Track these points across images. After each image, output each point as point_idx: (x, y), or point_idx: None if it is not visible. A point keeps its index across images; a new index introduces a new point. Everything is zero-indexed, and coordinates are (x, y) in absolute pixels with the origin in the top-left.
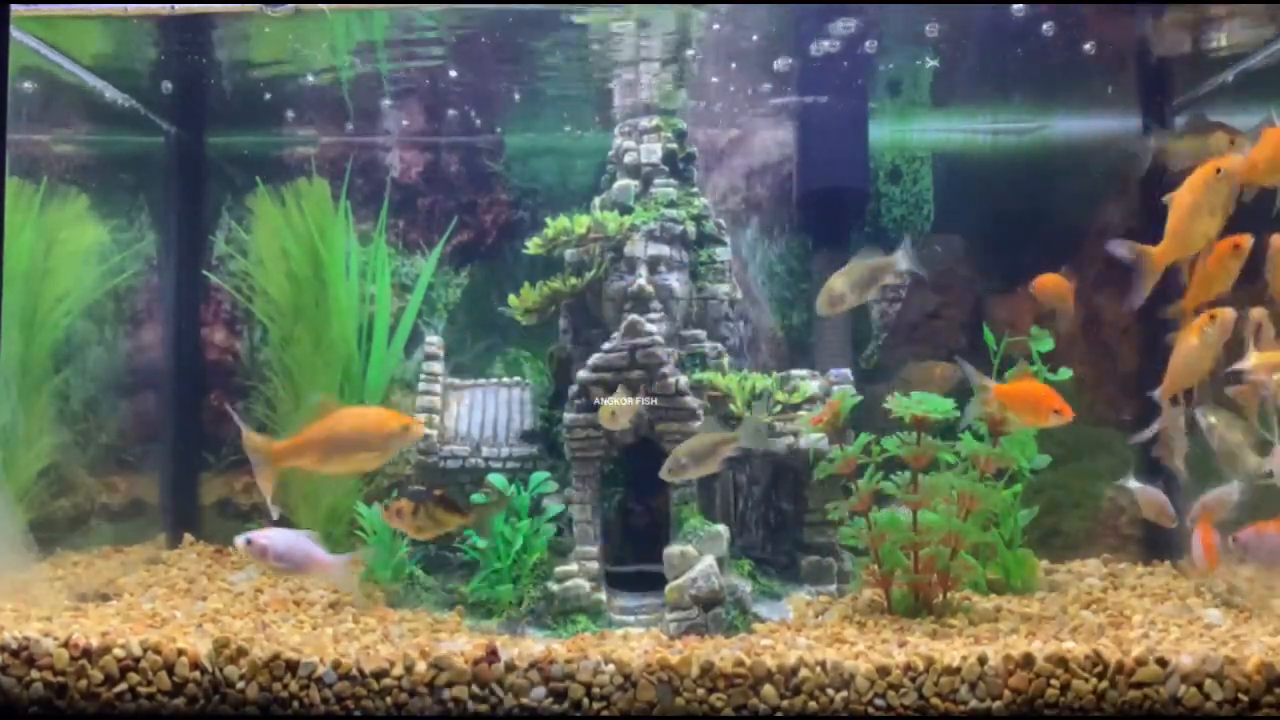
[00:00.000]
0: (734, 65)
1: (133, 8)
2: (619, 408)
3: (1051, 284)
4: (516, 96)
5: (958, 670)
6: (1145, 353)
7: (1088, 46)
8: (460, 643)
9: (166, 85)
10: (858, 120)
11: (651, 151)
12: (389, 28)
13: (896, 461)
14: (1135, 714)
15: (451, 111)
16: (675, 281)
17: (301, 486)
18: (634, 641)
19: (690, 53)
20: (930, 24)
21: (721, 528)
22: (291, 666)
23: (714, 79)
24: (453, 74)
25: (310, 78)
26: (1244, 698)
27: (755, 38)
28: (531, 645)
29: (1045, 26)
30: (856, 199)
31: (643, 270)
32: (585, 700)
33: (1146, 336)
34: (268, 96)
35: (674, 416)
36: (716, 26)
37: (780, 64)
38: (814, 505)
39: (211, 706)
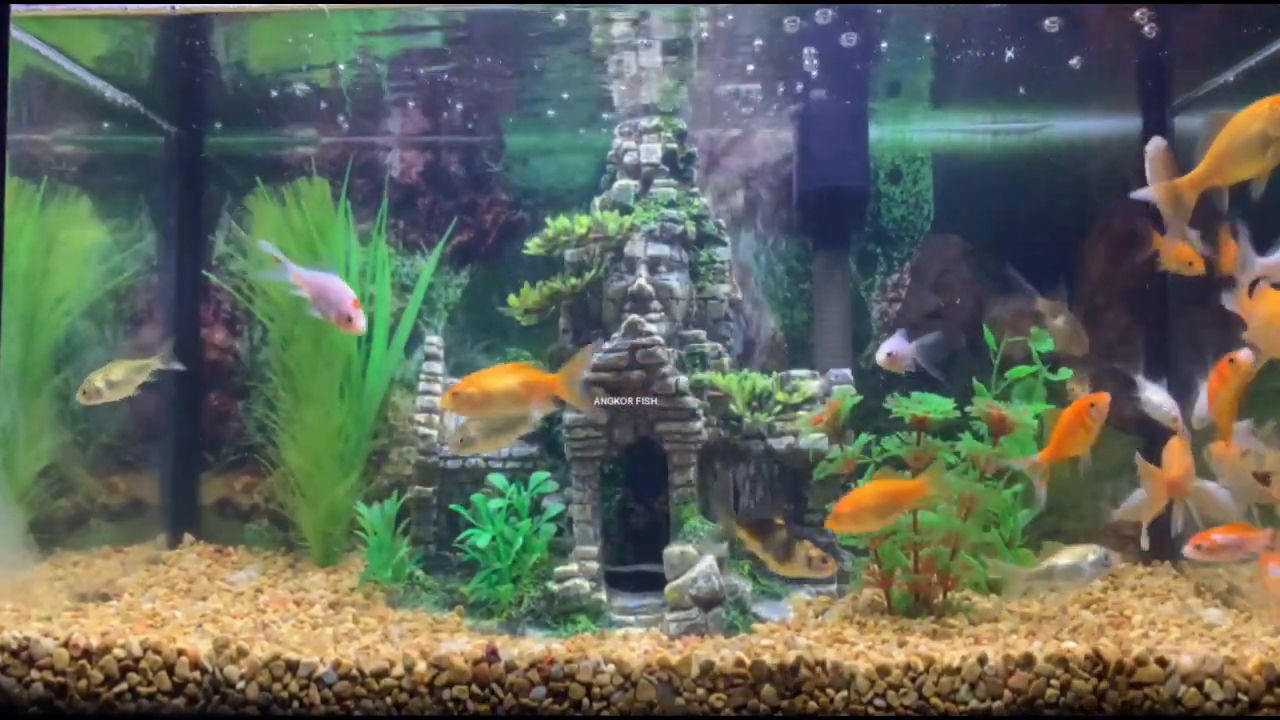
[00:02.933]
0: (733, 64)
1: (133, 8)
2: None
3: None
4: (517, 96)
5: (958, 670)
6: (1145, 352)
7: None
8: (460, 643)
9: (166, 85)
10: (857, 120)
11: (651, 151)
12: (389, 27)
13: (897, 462)
14: (1135, 714)
15: (452, 111)
16: (675, 281)
17: (301, 486)
18: (634, 641)
19: (690, 51)
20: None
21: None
22: (291, 666)
23: (714, 78)
24: (453, 73)
25: (310, 77)
26: (1244, 698)
27: (755, 36)
28: (531, 645)
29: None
30: (856, 199)
31: (643, 270)
32: (585, 700)
33: (1147, 336)
34: (268, 96)
35: (674, 416)
36: (719, 24)
37: (779, 64)
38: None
39: (211, 706)
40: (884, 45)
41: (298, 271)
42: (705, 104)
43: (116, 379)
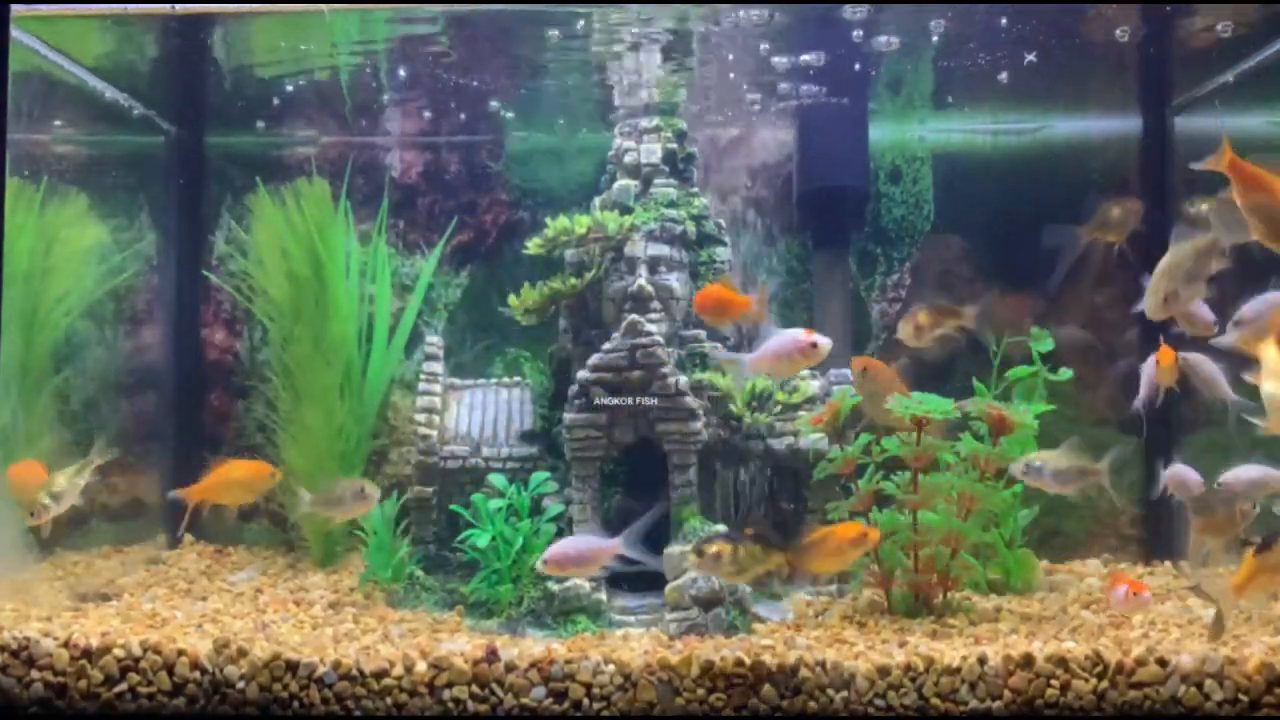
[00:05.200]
0: (734, 64)
1: (133, 8)
2: None
3: None
4: (517, 96)
5: (958, 670)
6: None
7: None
8: (460, 643)
9: (166, 85)
10: (858, 119)
11: (651, 151)
12: (389, 27)
13: (897, 462)
14: (1135, 714)
15: (452, 111)
16: (675, 281)
17: (301, 486)
18: (634, 641)
19: (690, 50)
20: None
21: (721, 528)
22: (291, 666)
23: (714, 78)
24: (453, 73)
25: (310, 77)
26: (1244, 698)
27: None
28: (531, 645)
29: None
30: (856, 199)
31: (643, 270)
32: (585, 700)
33: (1146, 336)
34: (268, 96)
35: (674, 416)
36: (716, 26)
37: (780, 63)
38: (814, 505)
39: (211, 706)
40: (887, 44)
41: (752, 359)
42: (705, 103)
43: (60, 489)
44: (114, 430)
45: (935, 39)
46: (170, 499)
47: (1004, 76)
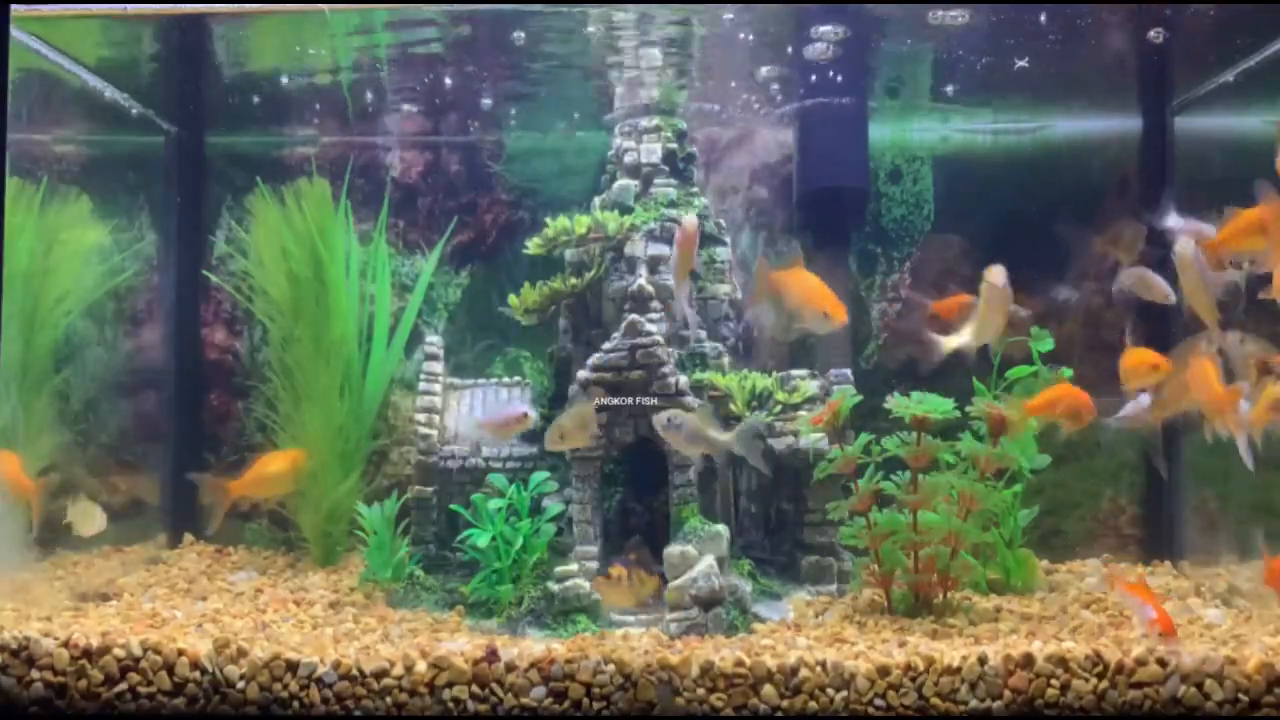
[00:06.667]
0: (734, 64)
1: (132, 8)
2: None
3: None
4: (517, 95)
5: (958, 670)
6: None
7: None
8: (460, 643)
9: (166, 85)
10: (857, 119)
11: (651, 151)
12: (389, 26)
13: (897, 461)
14: (1135, 714)
15: (452, 111)
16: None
17: (301, 485)
18: (634, 641)
19: (691, 49)
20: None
21: (721, 528)
22: (291, 666)
23: (714, 77)
24: (453, 73)
25: (310, 77)
26: (1244, 698)
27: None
28: (531, 645)
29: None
30: (856, 199)
31: (643, 270)
32: (585, 700)
33: (1147, 336)
34: (268, 96)
35: None
36: (720, 22)
37: (778, 67)
38: (814, 505)
39: (211, 706)
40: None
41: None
42: (706, 103)
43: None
44: (114, 430)
45: (939, 37)
46: (201, 489)
47: (1009, 75)
